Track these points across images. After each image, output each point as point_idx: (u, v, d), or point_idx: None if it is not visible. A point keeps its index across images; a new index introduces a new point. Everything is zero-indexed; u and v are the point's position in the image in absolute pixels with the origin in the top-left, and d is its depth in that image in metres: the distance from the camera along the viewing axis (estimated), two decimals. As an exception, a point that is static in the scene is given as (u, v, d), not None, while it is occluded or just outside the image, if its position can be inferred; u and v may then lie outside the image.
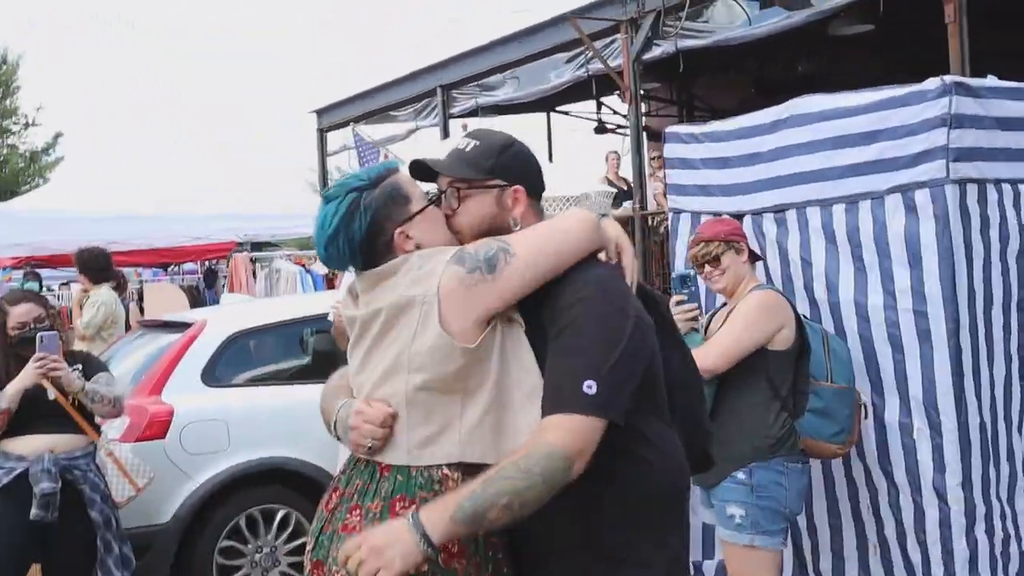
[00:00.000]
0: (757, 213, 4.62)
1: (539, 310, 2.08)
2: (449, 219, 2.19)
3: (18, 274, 13.96)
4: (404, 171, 2.26)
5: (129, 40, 66.53)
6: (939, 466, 4.09)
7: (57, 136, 29.82)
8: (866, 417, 4.21)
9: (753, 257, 4.13)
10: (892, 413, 4.24)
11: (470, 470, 2.01)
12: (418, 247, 2.13)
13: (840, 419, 4.04)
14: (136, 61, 64.50)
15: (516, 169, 2.20)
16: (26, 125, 29.63)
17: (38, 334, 4.33)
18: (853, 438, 4.11)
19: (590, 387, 1.94)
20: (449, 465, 2.04)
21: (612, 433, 1.99)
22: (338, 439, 2.20)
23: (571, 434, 1.93)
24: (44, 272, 14.07)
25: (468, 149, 2.21)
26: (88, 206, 11.60)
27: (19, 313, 4.46)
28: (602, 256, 2.19)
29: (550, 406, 1.97)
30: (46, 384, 4.36)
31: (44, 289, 13.69)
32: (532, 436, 1.97)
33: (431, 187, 2.27)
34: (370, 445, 2.07)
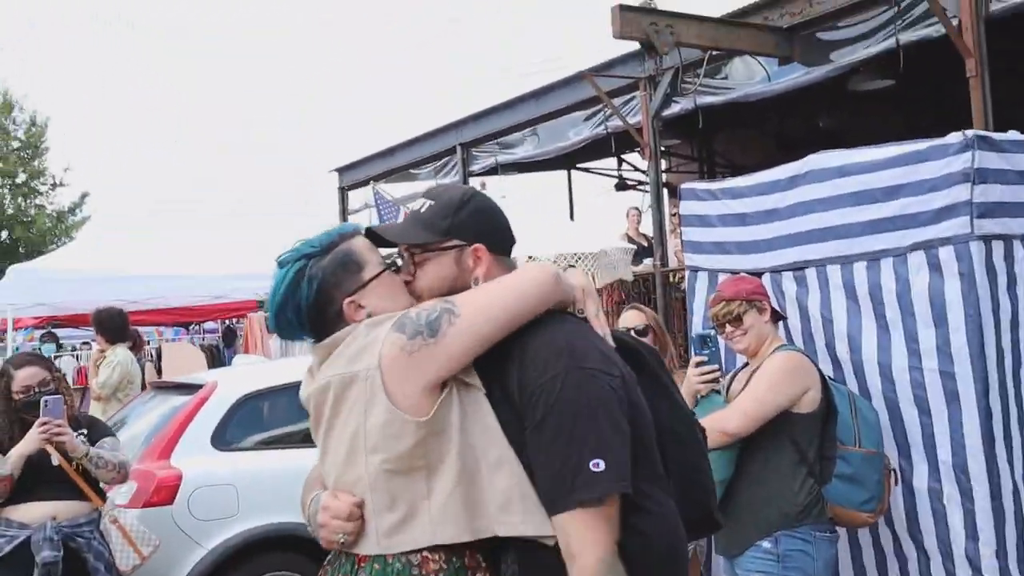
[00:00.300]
0: (776, 271, 4.51)
1: (503, 375, 1.94)
2: (410, 285, 2.09)
3: (40, 333, 14.02)
4: (362, 237, 2.15)
5: (129, 40, 67.33)
6: (971, 533, 3.93)
7: (84, 196, 30.23)
8: (896, 483, 4.05)
9: (776, 316, 4.00)
10: (921, 478, 4.08)
11: (451, 548, 1.89)
12: (371, 316, 2.01)
13: (870, 485, 3.88)
14: (136, 61, 65.15)
15: (475, 226, 2.07)
16: (53, 186, 30.05)
17: (42, 398, 4.27)
18: (883, 506, 3.95)
19: (597, 465, 1.82)
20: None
21: None
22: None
23: (599, 532, 1.82)
24: (66, 331, 14.14)
25: (424, 210, 2.10)
26: (110, 266, 11.61)
27: (24, 377, 4.40)
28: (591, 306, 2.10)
29: (560, 497, 1.83)
30: (50, 449, 4.28)
31: (66, 349, 13.74)
32: (567, 553, 1.83)
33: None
34: (342, 540, 1.95)
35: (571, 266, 2.43)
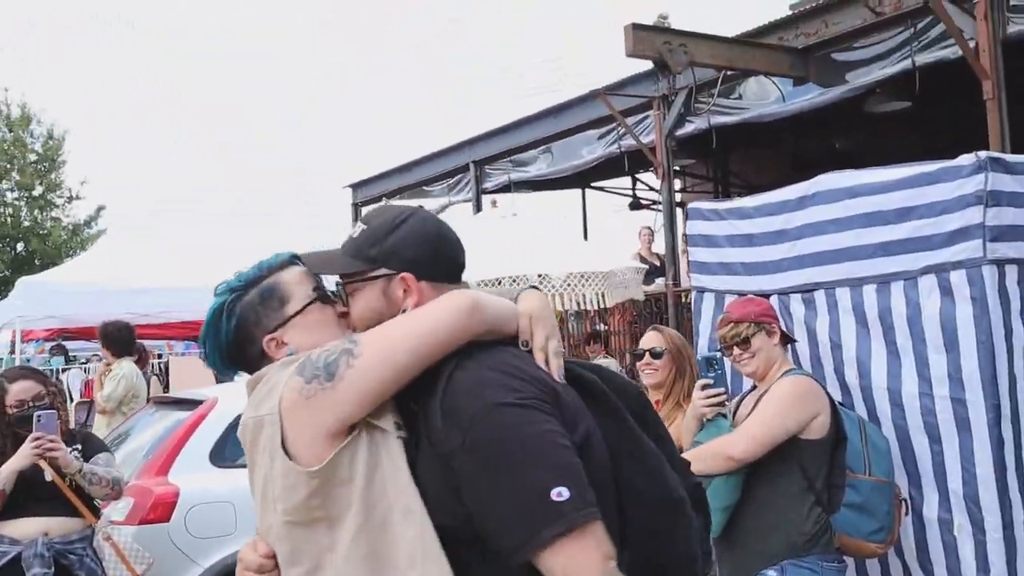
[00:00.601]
0: (784, 293, 4.42)
1: (428, 414, 1.75)
2: (346, 317, 1.95)
3: (51, 345, 14.03)
4: (296, 268, 2.01)
5: (129, 40, 67.58)
6: (983, 566, 3.83)
7: (99, 209, 30.35)
8: (907, 514, 3.95)
9: (785, 339, 3.91)
10: (931, 508, 3.98)
11: None
12: (294, 354, 1.88)
13: (879, 515, 3.79)
14: (136, 61, 65.35)
15: (404, 253, 1.90)
16: (70, 199, 30.22)
17: (35, 413, 4.21)
18: (893, 536, 3.85)
19: (560, 494, 1.63)
20: None
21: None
22: None
23: (587, 554, 1.65)
24: (76, 344, 14.13)
25: (357, 235, 1.95)
26: (120, 278, 11.61)
27: (17, 391, 4.35)
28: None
29: (529, 538, 1.64)
30: (43, 465, 4.22)
31: (77, 361, 13.73)
32: None
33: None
34: None
35: (532, 287, 2.26)
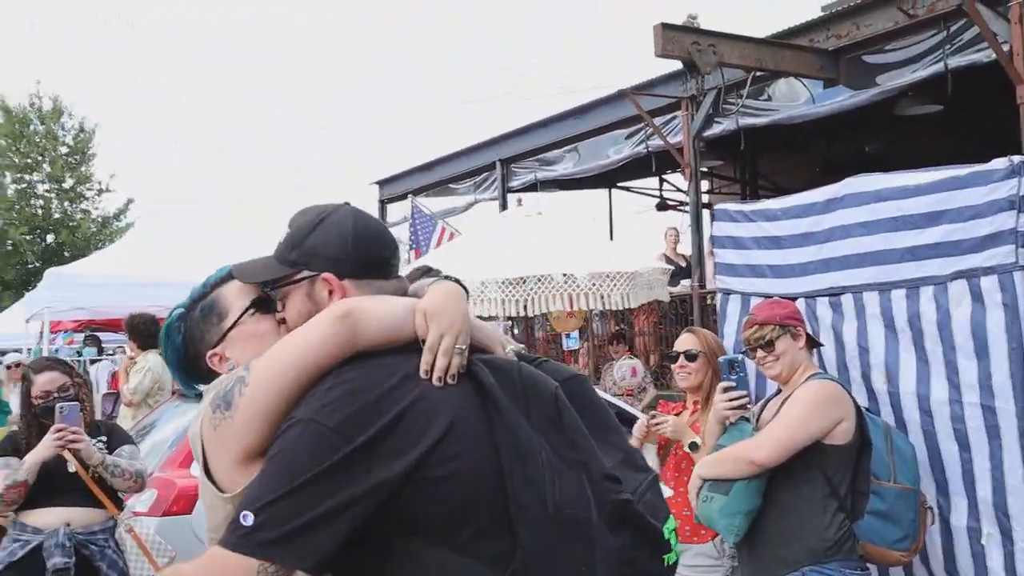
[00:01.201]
0: (810, 296, 4.38)
1: None
2: (284, 324, 1.92)
3: (80, 336, 14.13)
4: (236, 281, 1.99)
5: (129, 40, 67.73)
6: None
7: (128, 202, 30.59)
8: (932, 522, 3.90)
9: (811, 343, 3.87)
10: (959, 516, 3.93)
11: None
12: (234, 368, 1.87)
13: (904, 523, 3.73)
14: (136, 61, 65.56)
15: (323, 252, 1.87)
16: (100, 191, 30.46)
17: (57, 404, 4.23)
18: (918, 544, 3.80)
19: (245, 518, 1.58)
20: None
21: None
22: None
23: (208, 570, 1.61)
24: (102, 336, 14.23)
25: (282, 239, 1.93)
26: (148, 271, 11.68)
27: (42, 382, 4.38)
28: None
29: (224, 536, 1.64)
30: (67, 456, 4.25)
31: (104, 353, 13.83)
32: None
33: None
34: None
35: (447, 277, 2.04)
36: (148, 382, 7.98)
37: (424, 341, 1.77)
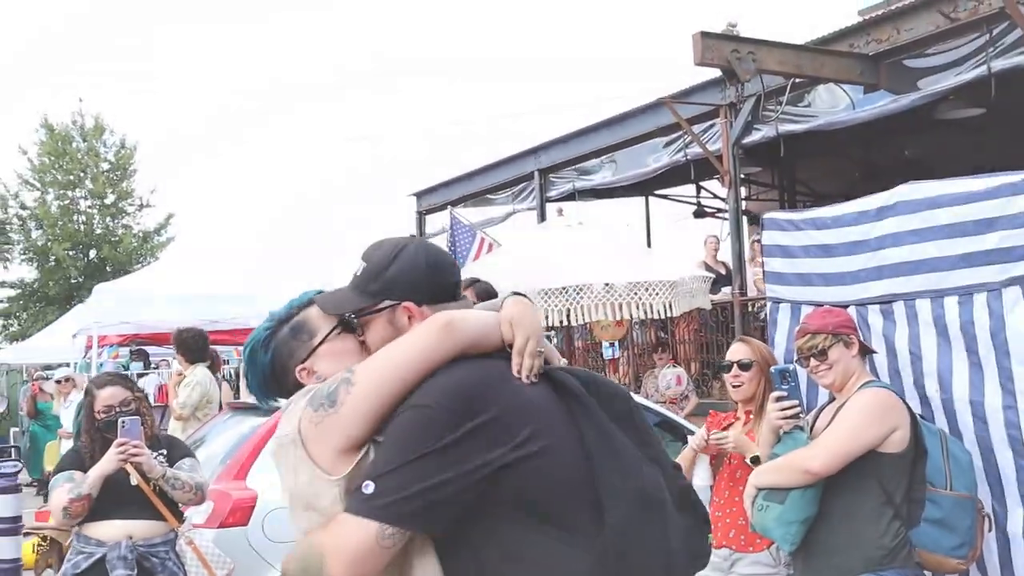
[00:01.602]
0: (862, 304, 4.38)
1: None
2: (364, 345, 2.15)
3: (124, 351, 14.33)
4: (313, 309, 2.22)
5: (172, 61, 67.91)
6: (1068, 583, 3.75)
7: (169, 217, 30.92)
8: (990, 529, 3.89)
9: (864, 350, 3.87)
10: (1016, 523, 3.92)
11: None
12: (322, 379, 2.08)
13: (961, 531, 3.73)
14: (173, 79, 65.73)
15: (402, 283, 2.12)
16: (140, 207, 30.84)
17: (120, 419, 4.33)
18: (975, 552, 3.79)
19: (367, 487, 1.84)
20: None
21: (456, 545, 1.91)
22: None
23: (335, 536, 1.84)
24: (150, 350, 14.41)
25: (359, 273, 2.17)
26: (192, 286, 11.85)
27: (105, 397, 4.47)
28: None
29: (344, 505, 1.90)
30: (129, 469, 4.34)
31: (151, 367, 14.02)
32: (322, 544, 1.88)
33: None
34: None
35: (516, 293, 2.44)
36: (197, 396, 8.09)
37: (511, 346, 2.06)
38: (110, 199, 30.27)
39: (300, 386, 2.12)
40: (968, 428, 4.01)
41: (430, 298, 2.12)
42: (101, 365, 12.75)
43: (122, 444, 4.28)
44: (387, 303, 2.11)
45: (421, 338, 1.99)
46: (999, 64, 8.22)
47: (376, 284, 2.12)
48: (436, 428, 1.87)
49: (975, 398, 3.98)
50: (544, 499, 1.92)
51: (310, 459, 1.93)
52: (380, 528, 1.83)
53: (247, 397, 8.67)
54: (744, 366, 4.34)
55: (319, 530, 1.88)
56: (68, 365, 14.83)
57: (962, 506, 3.75)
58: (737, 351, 4.41)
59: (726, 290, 11.34)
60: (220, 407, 8.55)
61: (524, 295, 2.23)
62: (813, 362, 3.79)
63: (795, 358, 3.94)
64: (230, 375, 12.05)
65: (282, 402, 2.18)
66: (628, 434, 2.07)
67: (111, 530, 4.36)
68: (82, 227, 29.67)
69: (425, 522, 1.87)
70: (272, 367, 2.16)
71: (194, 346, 8.25)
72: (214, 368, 9.07)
